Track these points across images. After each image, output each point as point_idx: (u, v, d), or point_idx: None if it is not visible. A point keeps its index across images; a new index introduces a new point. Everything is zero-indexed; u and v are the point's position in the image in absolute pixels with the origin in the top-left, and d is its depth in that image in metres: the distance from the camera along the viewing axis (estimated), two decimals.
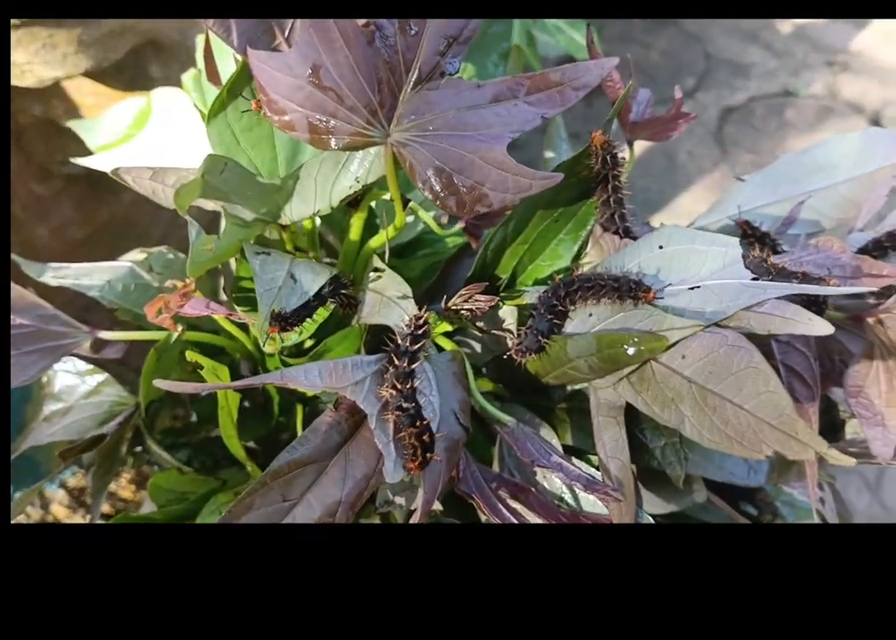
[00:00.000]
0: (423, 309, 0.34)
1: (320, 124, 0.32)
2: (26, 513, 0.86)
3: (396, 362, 0.30)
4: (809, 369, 0.33)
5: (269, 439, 0.45)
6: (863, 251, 0.40)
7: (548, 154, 0.51)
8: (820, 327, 0.27)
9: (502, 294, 0.37)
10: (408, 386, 0.30)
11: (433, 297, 0.41)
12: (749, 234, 0.40)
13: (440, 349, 0.36)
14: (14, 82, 0.75)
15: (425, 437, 0.29)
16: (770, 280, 0.30)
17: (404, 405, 0.30)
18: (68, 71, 0.75)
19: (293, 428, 0.42)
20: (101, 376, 0.45)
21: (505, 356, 0.34)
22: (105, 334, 0.40)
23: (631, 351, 0.31)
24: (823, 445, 0.25)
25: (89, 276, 0.43)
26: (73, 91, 0.86)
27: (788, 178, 0.44)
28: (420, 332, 0.32)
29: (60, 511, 0.86)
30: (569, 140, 0.50)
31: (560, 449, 0.34)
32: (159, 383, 0.26)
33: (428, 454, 0.29)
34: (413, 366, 0.31)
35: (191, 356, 0.35)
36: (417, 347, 0.31)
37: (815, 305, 0.34)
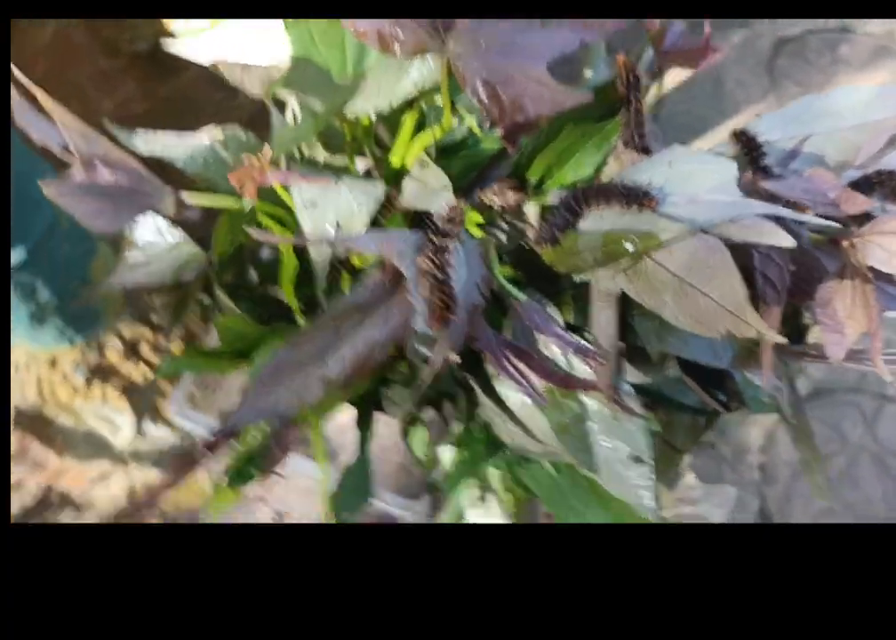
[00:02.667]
0: (460, 200, 0.41)
1: (389, 33, 0.38)
2: (84, 354, 0.96)
3: (433, 238, 0.37)
4: (780, 279, 0.40)
5: (314, 302, 0.53)
6: (853, 185, 0.46)
7: (588, 72, 0.55)
8: (785, 240, 0.33)
9: (529, 193, 0.43)
10: (440, 258, 0.37)
11: (470, 192, 0.47)
12: (743, 143, 0.45)
13: (472, 237, 0.43)
14: None
15: (448, 300, 0.36)
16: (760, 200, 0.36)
17: (436, 274, 0.37)
18: None
19: (339, 292, 0.50)
20: (180, 234, 0.52)
21: (525, 246, 0.41)
22: (186, 196, 0.47)
23: (630, 247, 0.37)
24: (763, 326, 0.32)
25: (175, 147, 0.49)
26: None
27: (800, 119, 0.49)
28: (454, 215, 0.39)
29: (114, 356, 0.96)
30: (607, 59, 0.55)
31: (562, 323, 0.42)
32: (252, 232, 0.33)
33: (447, 313, 0.36)
34: (446, 244, 0.37)
35: (264, 220, 0.42)
36: (451, 228, 0.38)
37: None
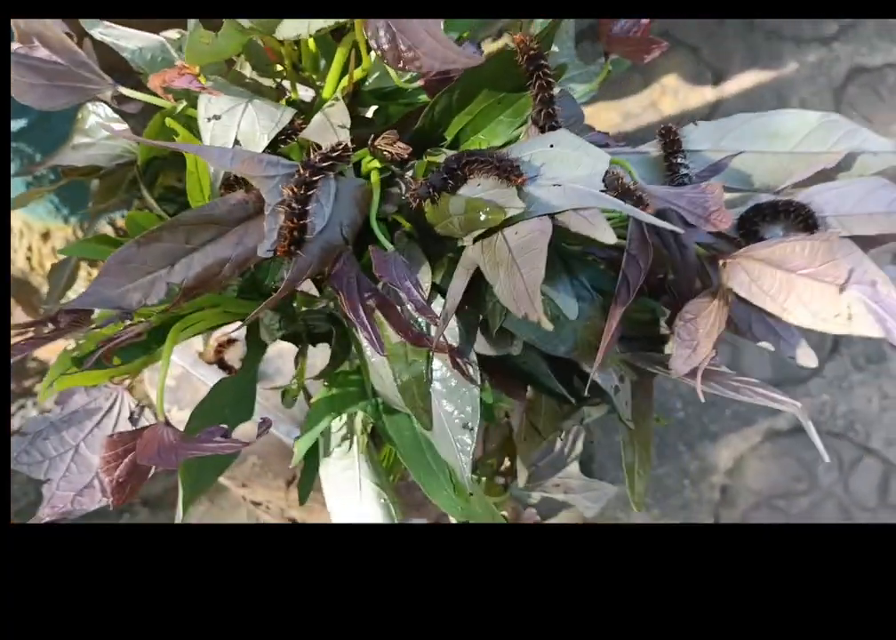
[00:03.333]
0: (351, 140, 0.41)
1: None
2: (76, 236, 1.00)
3: (302, 170, 0.38)
4: (636, 282, 0.39)
5: None
6: (757, 208, 0.45)
7: (554, 48, 0.55)
8: (606, 236, 0.33)
9: (429, 150, 0.44)
10: (303, 192, 0.38)
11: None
12: (665, 141, 0.45)
13: (361, 180, 0.43)
14: None
15: (296, 233, 0.37)
16: (615, 196, 0.36)
17: (293, 205, 0.38)
18: None
19: None
20: (123, 126, 0.54)
21: (404, 199, 0.42)
22: (124, 90, 0.48)
23: (482, 217, 0.38)
24: (538, 314, 0.33)
25: (128, 40, 0.51)
26: None
27: (736, 134, 0.48)
28: (334, 154, 0.39)
29: None
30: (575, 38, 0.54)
31: (426, 284, 0.42)
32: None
33: (293, 247, 0.37)
34: (315, 178, 0.38)
35: (170, 122, 0.43)
36: (325, 164, 0.39)
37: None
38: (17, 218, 0.99)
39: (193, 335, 0.47)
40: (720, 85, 1.50)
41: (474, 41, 0.46)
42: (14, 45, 0.45)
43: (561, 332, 0.40)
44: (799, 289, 0.36)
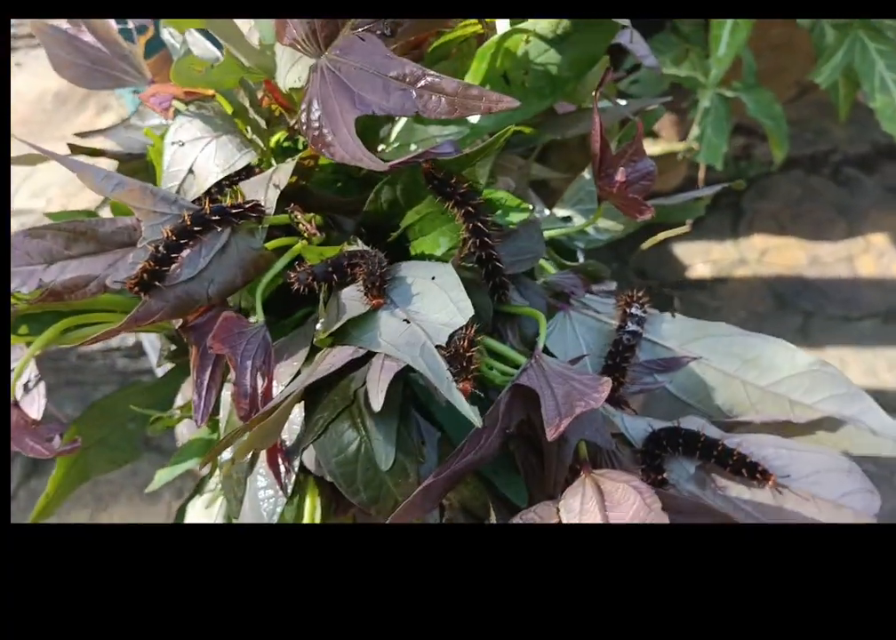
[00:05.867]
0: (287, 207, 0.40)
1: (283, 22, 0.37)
2: None
3: (186, 218, 0.37)
4: (468, 458, 0.34)
5: None
6: (672, 432, 0.37)
7: (586, 174, 0.49)
8: (375, 402, 0.28)
9: (350, 239, 0.41)
10: (176, 239, 0.36)
11: None
12: (625, 308, 0.41)
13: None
14: None
15: (147, 276, 0.36)
16: (445, 356, 0.32)
17: (160, 249, 0.36)
18: None
19: None
20: None
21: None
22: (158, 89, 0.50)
23: (318, 326, 0.34)
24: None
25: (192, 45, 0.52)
26: None
27: (711, 343, 0.41)
28: (234, 211, 0.38)
29: None
30: None
31: (293, 369, 0.39)
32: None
33: (139, 289, 0.36)
34: (197, 229, 0.37)
35: (147, 131, 0.44)
36: (215, 218, 0.37)
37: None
38: None
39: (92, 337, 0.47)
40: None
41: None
42: (63, 23, 0.49)
43: (371, 477, 0.35)
44: None
